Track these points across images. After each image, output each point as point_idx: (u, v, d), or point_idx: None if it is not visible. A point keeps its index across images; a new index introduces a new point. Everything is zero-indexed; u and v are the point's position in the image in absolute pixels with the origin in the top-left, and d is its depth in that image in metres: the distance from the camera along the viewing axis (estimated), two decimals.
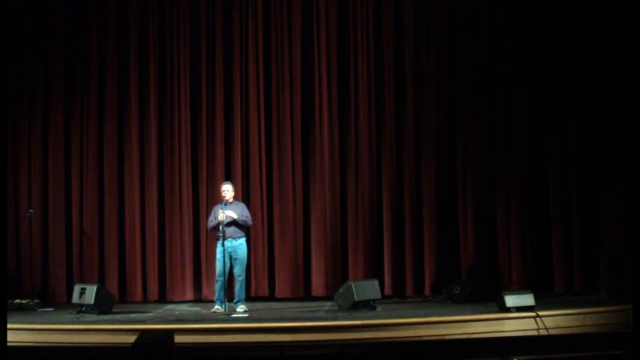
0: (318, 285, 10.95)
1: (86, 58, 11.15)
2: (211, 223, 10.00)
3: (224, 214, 9.75)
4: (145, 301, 10.97)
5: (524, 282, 10.59)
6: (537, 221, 10.85)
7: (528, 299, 8.91)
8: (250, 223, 10.19)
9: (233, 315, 9.56)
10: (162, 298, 10.99)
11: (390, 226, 10.99)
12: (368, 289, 9.81)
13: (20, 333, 8.49)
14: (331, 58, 11.19)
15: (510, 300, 8.88)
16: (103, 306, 9.70)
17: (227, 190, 9.99)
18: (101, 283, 10.53)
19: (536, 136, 10.97)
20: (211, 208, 10.39)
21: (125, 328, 8.54)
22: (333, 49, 11.19)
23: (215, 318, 9.47)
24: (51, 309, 10.39)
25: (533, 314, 8.73)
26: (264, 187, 11.12)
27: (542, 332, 8.61)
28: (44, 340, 8.50)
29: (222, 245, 9.72)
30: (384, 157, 11.11)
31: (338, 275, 10.89)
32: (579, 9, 10.79)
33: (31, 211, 10.86)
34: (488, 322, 8.73)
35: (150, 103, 11.17)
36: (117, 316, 9.50)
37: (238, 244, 9.93)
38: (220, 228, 9.74)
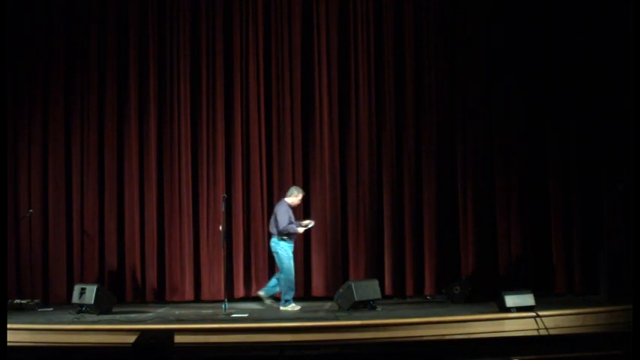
0: (318, 285, 10.95)
1: (86, 58, 11.15)
2: (295, 226, 10.11)
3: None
4: (145, 301, 10.97)
5: (524, 282, 10.58)
6: (537, 221, 10.85)
7: (528, 299, 8.91)
8: None
9: (233, 315, 9.57)
10: (162, 298, 10.99)
11: (390, 226, 10.99)
12: (368, 289, 9.82)
13: (20, 333, 8.49)
14: (331, 58, 11.19)
15: (510, 300, 8.87)
16: (103, 306, 9.70)
17: None
18: (101, 283, 10.53)
19: (536, 136, 10.98)
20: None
21: (125, 328, 8.54)
22: (333, 48, 11.20)
23: (215, 318, 9.47)
24: (51, 309, 10.39)
25: (533, 314, 8.73)
26: (264, 187, 11.12)
27: (542, 332, 8.61)
28: (44, 340, 8.49)
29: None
30: (384, 157, 11.12)
31: (338, 275, 10.90)
32: (580, 9, 10.80)
33: (31, 211, 10.86)
34: (488, 322, 8.72)
35: (150, 103, 11.16)
36: (117, 316, 9.50)
37: None
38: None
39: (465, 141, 11.03)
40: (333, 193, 11.05)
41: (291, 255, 10.08)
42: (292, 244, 10.15)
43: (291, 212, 10.16)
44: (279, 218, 10.02)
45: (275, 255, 10.11)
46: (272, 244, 10.12)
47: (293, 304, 10.03)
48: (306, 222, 10.27)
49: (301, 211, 11.05)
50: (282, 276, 10.10)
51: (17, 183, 11.06)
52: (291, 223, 10.06)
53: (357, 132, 11.14)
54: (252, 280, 11.04)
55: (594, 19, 10.72)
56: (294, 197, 10.27)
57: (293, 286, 10.11)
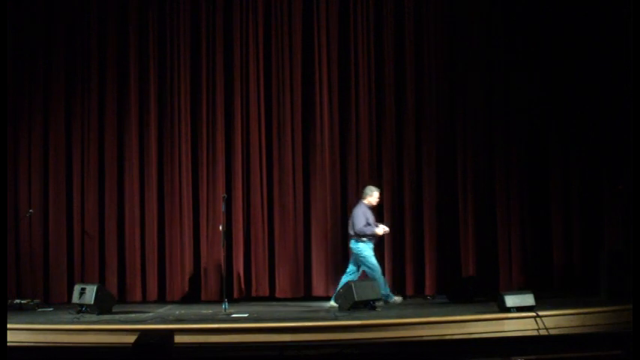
0: (318, 285, 10.95)
1: (86, 58, 11.15)
2: (372, 228, 10.08)
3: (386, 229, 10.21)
4: (145, 301, 10.97)
5: (524, 282, 10.59)
6: (537, 221, 10.86)
7: (528, 299, 8.90)
8: None
9: (233, 315, 9.56)
10: (162, 298, 11.00)
11: (390, 226, 10.97)
12: (368, 289, 9.80)
13: (20, 333, 8.47)
14: (331, 58, 11.19)
15: (510, 300, 8.86)
16: (103, 306, 9.68)
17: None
18: (101, 283, 10.53)
19: (536, 135, 10.99)
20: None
21: (125, 328, 8.53)
22: (333, 48, 11.20)
23: (215, 318, 9.46)
24: (51, 309, 10.39)
25: (533, 314, 8.73)
26: (265, 187, 11.12)
27: (542, 332, 8.61)
28: (44, 340, 8.48)
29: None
30: (384, 156, 11.12)
31: (338, 275, 10.88)
32: (580, 9, 10.81)
33: (31, 211, 10.86)
34: (488, 322, 8.71)
35: (150, 104, 11.16)
36: (117, 316, 9.48)
37: None
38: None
39: (465, 140, 11.04)
40: (333, 193, 11.06)
41: (372, 252, 10.07)
42: (372, 245, 10.12)
43: (369, 213, 10.14)
44: (355, 220, 10.05)
45: (356, 257, 10.13)
46: (351, 245, 10.17)
47: (395, 298, 10.03)
48: (383, 229, 10.21)
49: (301, 211, 11.07)
50: (369, 274, 10.10)
51: (17, 183, 11.06)
52: (368, 224, 10.05)
53: (357, 132, 11.15)
54: (252, 280, 11.04)
55: (595, 18, 10.73)
56: (370, 197, 10.24)
57: (383, 279, 10.07)
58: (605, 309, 9.08)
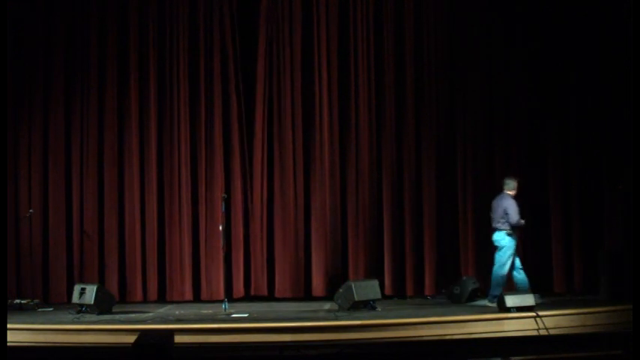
0: (318, 285, 10.95)
1: (86, 58, 11.14)
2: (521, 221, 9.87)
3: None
4: (145, 301, 10.97)
5: None
6: (537, 221, 10.85)
7: (528, 299, 8.92)
8: None
9: (233, 315, 9.57)
10: (162, 298, 10.99)
11: (390, 226, 10.99)
12: (368, 289, 9.81)
13: (20, 333, 8.48)
14: (331, 58, 11.19)
15: (510, 300, 8.88)
16: (103, 306, 9.69)
17: None
18: (101, 283, 10.54)
19: (536, 135, 10.98)
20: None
21: (125, 328, 8.54)
22: (333, 48, 11.19)
23: (215, 318, 9.47)
24: (51, 309, 10.39)
25: (533, 314, 8.74)
26: (264, 187, 11.11)
27: (542, 332, 8.62)
28: (44, 340, 8.50)
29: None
30: (384, 156, 11.12)
31: (338, 275, 10.90)
32: (580, 9, 10.80)
33: (31, 211, 10.85)
34: (488, 322, 8.73)
35: (150, 104, 11.16)
36: (117, 316, 9.50)
37: None
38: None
39: (465, 140, 11.04)
40: (334, 193, 11.05)
41: (513, 252, 9.76)
42: (516, 240, 9.83)
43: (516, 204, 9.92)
44: (510, 212, 9.75)
45: (498, 248, 9.83)
46: (496, 237, 9.82)
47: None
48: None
49: (301, 211, 11.07)
50: (494, 268, 9.80)
51: (17, 183, 11.06)
52: (519, 217, 9.80)
53: (357, 132, 11.14)
54: (252, 280, 11.04)
55: (596, 18, 10.73)
56: (514, 188, 9.94)
57: (502, 282, 9.78)
58: (605, 309, 9.09)
